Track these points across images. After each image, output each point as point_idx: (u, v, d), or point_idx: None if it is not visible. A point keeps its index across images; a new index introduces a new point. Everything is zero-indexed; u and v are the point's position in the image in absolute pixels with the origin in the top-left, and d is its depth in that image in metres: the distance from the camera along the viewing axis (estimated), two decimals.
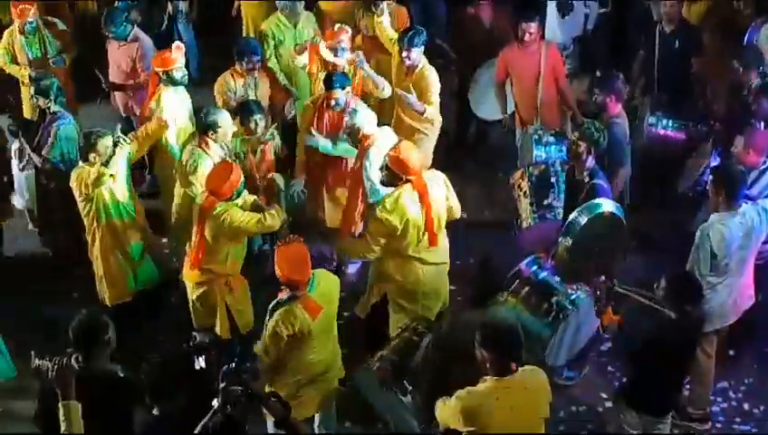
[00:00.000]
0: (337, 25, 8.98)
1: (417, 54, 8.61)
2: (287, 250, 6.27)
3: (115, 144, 7.60)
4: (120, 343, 5.72)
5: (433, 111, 8.65)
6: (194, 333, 7.14)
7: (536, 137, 8.48)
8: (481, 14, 10.10)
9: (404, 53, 8.60)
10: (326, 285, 6.40)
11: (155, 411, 5.35)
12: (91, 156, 7.49)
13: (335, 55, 8.73)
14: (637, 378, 6.42)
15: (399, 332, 6.83)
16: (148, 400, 5.37)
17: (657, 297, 6.22)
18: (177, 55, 8.43)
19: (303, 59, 8.86)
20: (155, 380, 5.37)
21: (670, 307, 6.06)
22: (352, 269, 8.68)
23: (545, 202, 7.74)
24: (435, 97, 8.64)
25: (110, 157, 7.52)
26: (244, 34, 10.60)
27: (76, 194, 7.62)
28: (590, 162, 7.37)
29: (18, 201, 9.07)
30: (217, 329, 7.37)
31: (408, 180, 6.90)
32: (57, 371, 5.05)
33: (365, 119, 7.81)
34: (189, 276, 7.36)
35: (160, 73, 8.45)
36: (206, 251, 7.13)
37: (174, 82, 8.44)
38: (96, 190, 7.51)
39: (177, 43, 8.65)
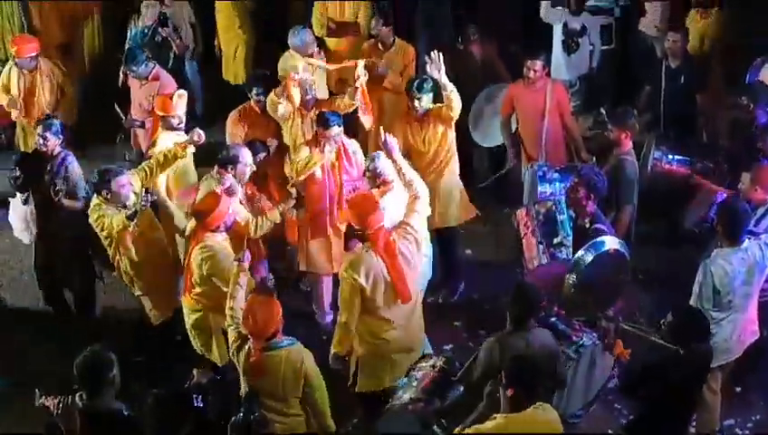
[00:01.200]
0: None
1: (427, 101, 8.47)
2: (253, 300, 6.29)
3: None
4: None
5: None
6: (193, 371, 7.21)
7: (540, 173, 8.47)
8: (471, 49, 10.15)
9: (415, 103, 8.46)
10: (289, 360, 6.18)
11: None
12: (104, 192, 7.56)
13: (306, 94, 8.57)
14: (643, 413, 6.41)
15: (411, 371, 6.79)
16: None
17: (662, 333, 6.22)
18: (178, 102, 8.56)
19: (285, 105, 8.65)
20: (156, 414, 5.37)
21: (677, 343, 6.05)
22: (328, 319, 8.62)
23: (555, 241, 7.66)
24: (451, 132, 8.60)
25: (123, 198, 7.57)
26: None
27: (97, 229, 7.66)
28: (592, 207, 7.41)
29: (25, 237, 9.08)
30: (214, 355, 7.35)
31: (368, 235, 6.82)
32: (62, 408, 5.07)
33: (388, 165, 7.61)
34: (185, 301, 7.39)
35: (159, 116, 8.63)
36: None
37: (170, 128, 8.55)
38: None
39: (180, 91, 8.76)
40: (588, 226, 7.38)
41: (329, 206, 8.28)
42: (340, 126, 8.16)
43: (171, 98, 8.60)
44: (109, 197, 7.54)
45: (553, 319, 7.06)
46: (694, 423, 7.26)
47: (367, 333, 6.97)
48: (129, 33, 11.05)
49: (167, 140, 8.39)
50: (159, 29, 10.54)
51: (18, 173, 8.45)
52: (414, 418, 6.36)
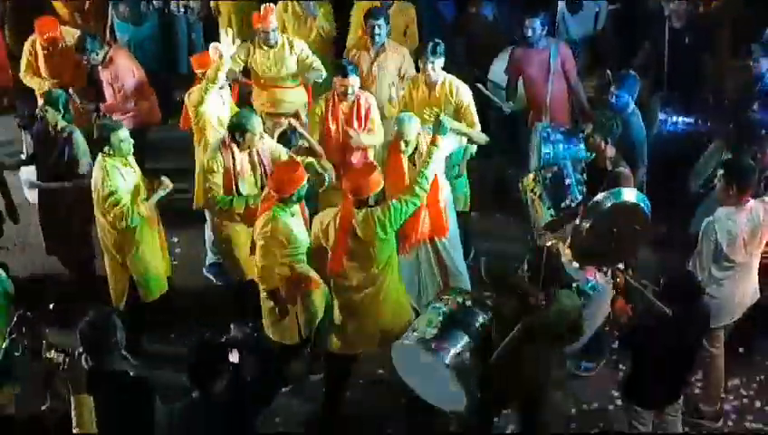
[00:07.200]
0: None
1: (440, 65, 8.34)
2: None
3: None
4: None
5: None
6: (231, 325, 7.25)
7: (544, 134, 8.41)
8: (484, 12, 10.08)
9: (428, 67, 8.28)
10: None
11: (194, 394, 5.41)
12: (105, 148, 7.50)
13: None
14: (638, 372, 6.46)
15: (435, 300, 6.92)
16: (189, 382, 5.41)
17: (657, 295, 6.23)
18: (214, 56, 8.34)
19: None
20: (195, 363, 5.42)
21: (669, 304, 6.06)
22: None
23: (563, 205, 7.65)
24: (475, 111, 8.40)
25: (125, 151, 7.53)
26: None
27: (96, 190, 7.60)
28: (610, 151, 7.44)
29: (32, 196, 9.07)
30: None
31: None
32: (69, 363, 5.11)
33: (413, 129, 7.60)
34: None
35: (199, 75, 8.54)
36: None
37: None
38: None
39: (213, 44, 8.52)
40: (611, 168, 7.38)
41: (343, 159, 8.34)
42: (357, 75, 8.21)
43: (208, 52, 8.49)
44: (111, 152, 7.50)
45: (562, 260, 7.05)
46: (699, 384, 7.39)
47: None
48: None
49: (212, 98, 8.30)
50: None
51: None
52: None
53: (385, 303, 6.95)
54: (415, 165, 7.57)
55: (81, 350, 5.33)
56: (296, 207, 7.11)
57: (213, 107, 8.37)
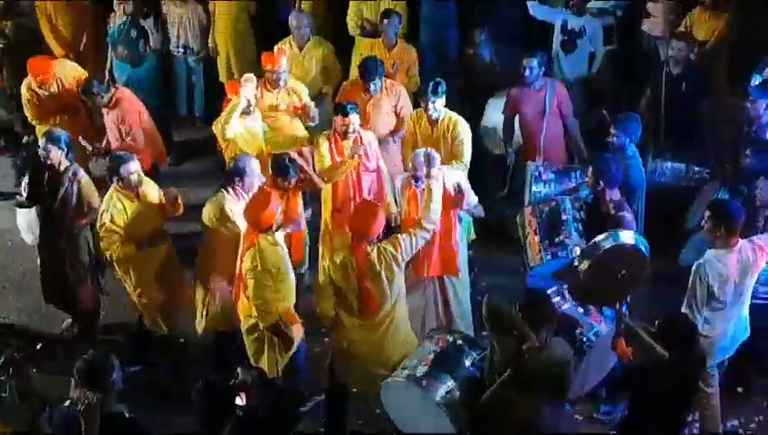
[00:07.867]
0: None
1: (442, 104, 8.44)
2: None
3: None
4: None
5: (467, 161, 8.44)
6: (238, 369, 7.24)
7: (536, 173, 8.46)
8: (481, 52, 10.13)
9: (430, 106, 8.39)
10: None
11: None
12: (114, 179, 7.62)
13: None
14: (634, 414, 6.43)
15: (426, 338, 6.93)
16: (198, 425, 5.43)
17: (653, 337, 6.23)
18: (247, 84, 8.63)
19: None
20: (202, 406, 5.46)
21: (665, 348, 6.06)
22: None
23: (557, 240, 7.63)
24: (468, 146, 8.45)
25: (133, 182, 7.64)
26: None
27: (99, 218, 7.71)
28: (613, 194, 7.43)
29: (30, 238, 9.06)
30: (263, 363, 7.30)
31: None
32: (85, 406, 5.11)
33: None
34: (241, 309, 7.34)
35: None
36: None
37: (243, 111, 8.65)
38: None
39: (247, 75, 8.76)
40: (613, 212, 7.37)
41: (352, 196, 8.40)
42: (357, 114, 8.28)
43: (239, 82, 8.75)
44: (120, 184, 7.61)
45: (567, 305, 7.08)
46: (697, 424, 7.34)
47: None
48: (108, 32, 11.03)
49: (237, 123, 8.54)
50: (142, 20, 10.59)
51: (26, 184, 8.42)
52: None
53: (397, 334, 7.03)
54: None
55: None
56: (279, 237, 7.11)
57: (241, 130, 8.60)
